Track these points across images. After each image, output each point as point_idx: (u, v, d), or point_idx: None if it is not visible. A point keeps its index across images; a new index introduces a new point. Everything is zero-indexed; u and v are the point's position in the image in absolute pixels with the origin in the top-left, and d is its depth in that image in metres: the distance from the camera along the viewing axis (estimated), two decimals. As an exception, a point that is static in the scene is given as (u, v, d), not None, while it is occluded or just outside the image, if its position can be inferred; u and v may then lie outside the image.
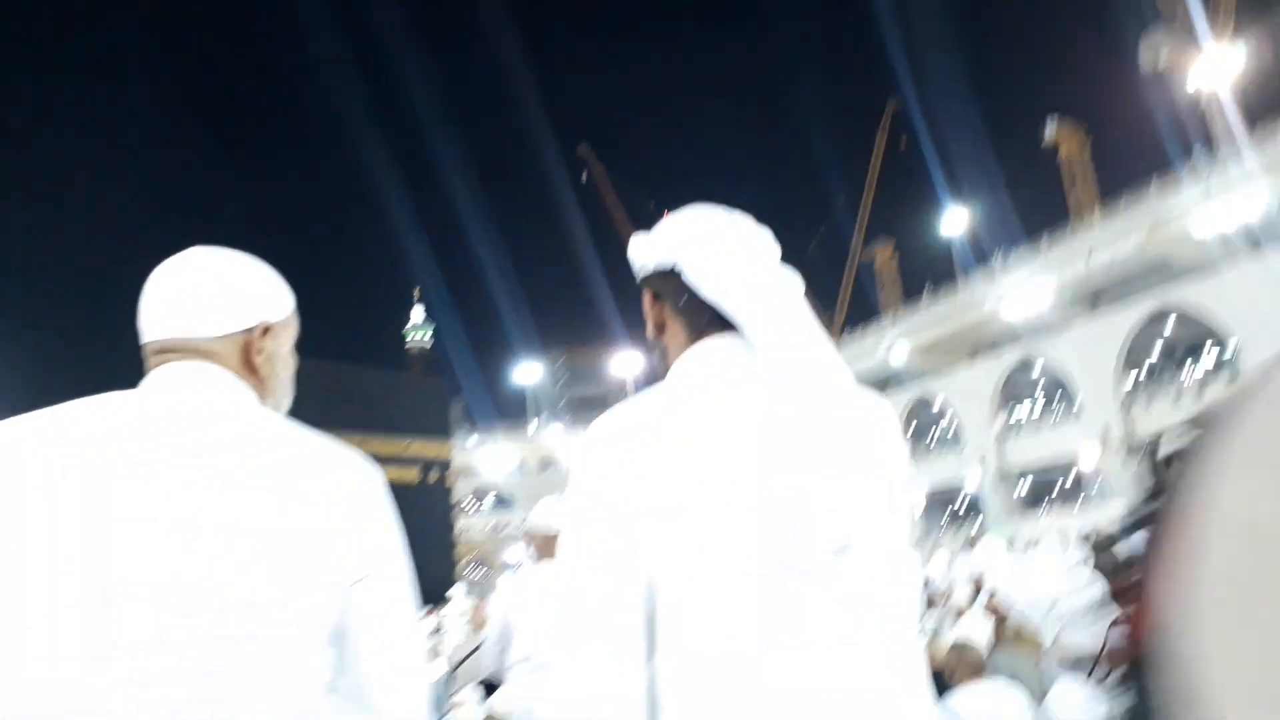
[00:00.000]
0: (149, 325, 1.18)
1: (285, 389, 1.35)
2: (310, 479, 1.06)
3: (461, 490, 49.37)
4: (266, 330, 1.26)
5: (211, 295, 1.20)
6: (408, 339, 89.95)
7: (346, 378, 27.14)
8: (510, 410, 67.23)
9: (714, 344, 1.20)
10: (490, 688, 5.79)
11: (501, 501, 59.40)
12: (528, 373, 65.72)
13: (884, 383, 45.83)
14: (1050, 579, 6.52)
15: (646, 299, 1.31)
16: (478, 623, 6.58)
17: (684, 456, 1.09)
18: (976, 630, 5.77)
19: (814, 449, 1.11)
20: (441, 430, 29.36)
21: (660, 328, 1.28)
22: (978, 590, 8.29)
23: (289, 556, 1.00)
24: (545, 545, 3.63)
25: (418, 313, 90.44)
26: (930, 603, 11.31)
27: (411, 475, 27.18)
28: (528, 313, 76.27)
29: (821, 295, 72.72)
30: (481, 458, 55.88)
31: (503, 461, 56.45)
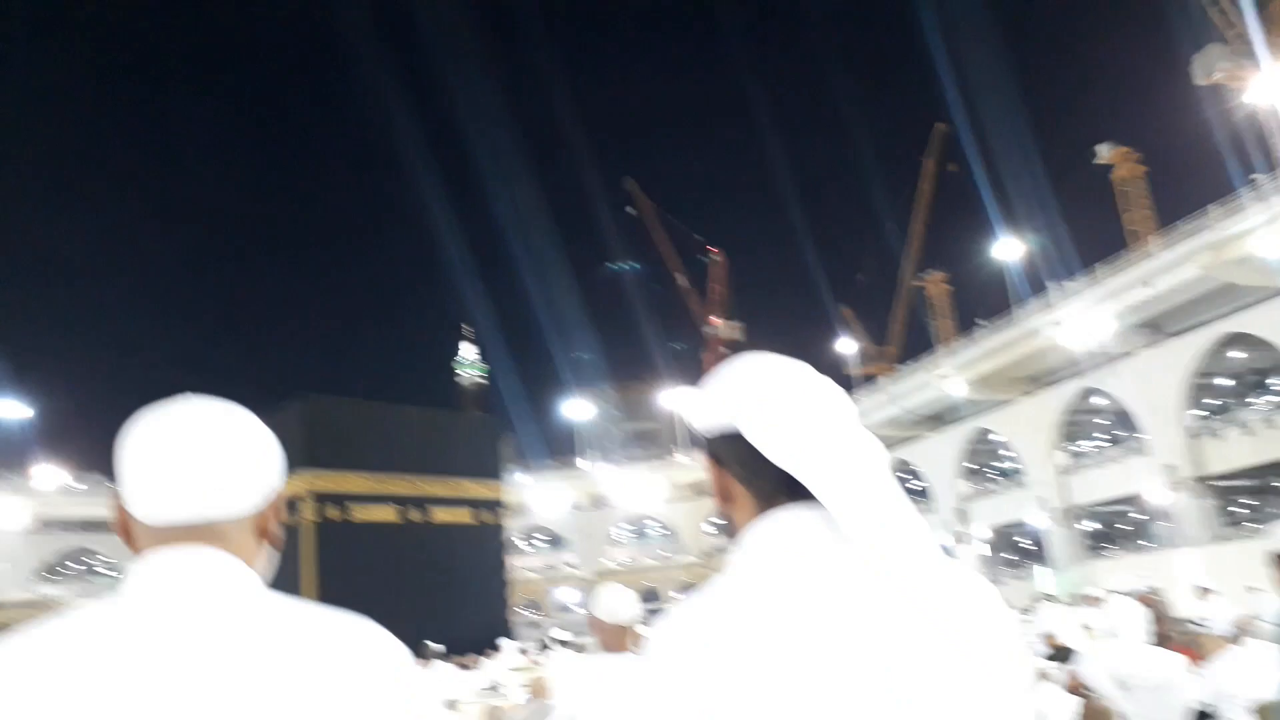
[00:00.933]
0: (157, 504, 1.06)
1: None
2: (338, 677, 1.00)
3: (513, 529, 49.44)
4: (278, 496, 1.19)
5: (228, 469, 1.10)
6: (459, 375, 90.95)
7: (399, 419, 27.48)
8: (561, 447, 67.35)
9: (787, 518, 1.06)
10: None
11: (553, 540, 59.38)
12: (578, 409, 65.83)
13: (940, 416, 45.09)
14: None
15: (708, 464, 1.16)
16: (537, 690, 6.47)
17: (767, 663, 0.96)
18: (1058, 711, 5.52)
19: (917, 645, 0.98)
20: (493, 469, 29.49)
21: (725, 496, 1.14)
22: (1052, 651, 7.96)
23: None
24: (610, 636, 3.54)
25: (468, 349, 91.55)
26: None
27: (464, 516, 27.31)
28: (578, 348, 76.45)
29: (872, 327, 72.13)
30: (533, 496, 55.94)
31: (554, 500, 56.44)
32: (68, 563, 52.74)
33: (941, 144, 64.92)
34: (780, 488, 1.06)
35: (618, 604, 3.57)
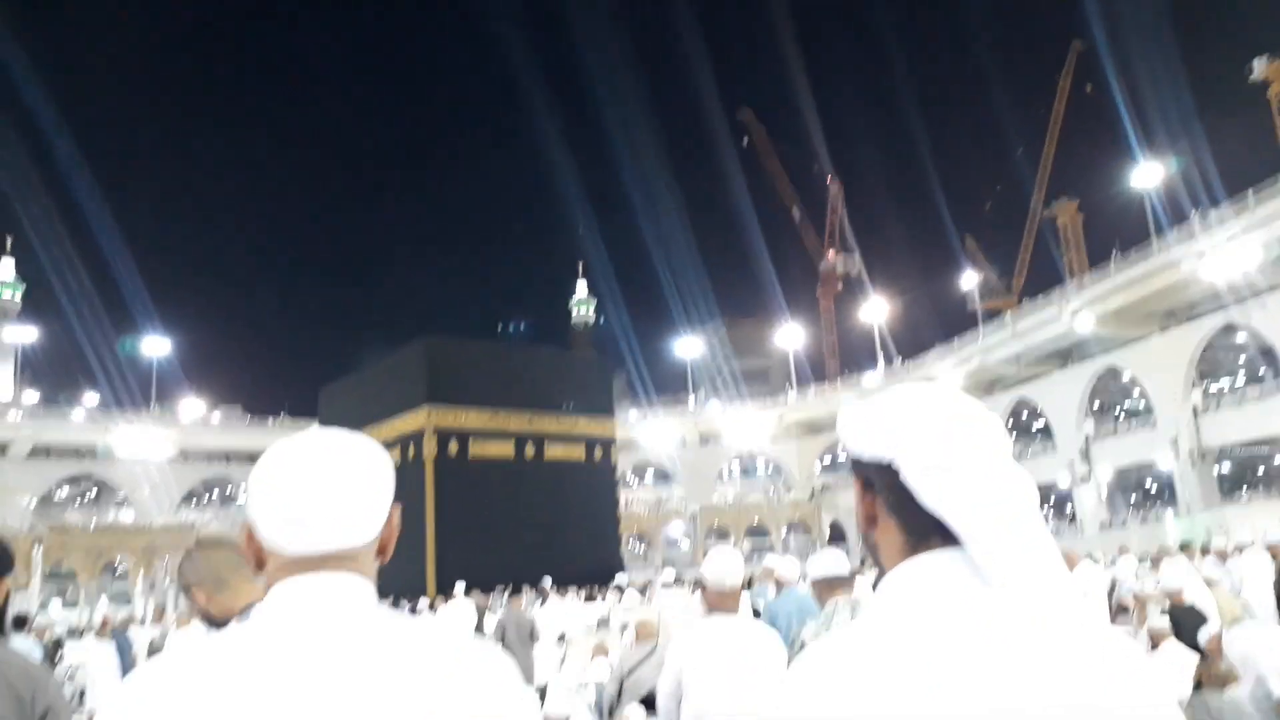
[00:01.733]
0: (298, 535, 1.13)
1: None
2: (459, 696, 1.08)
3: (624, 465, 50.29)
4: (393, 514, 1.24)
5: (364, 500, 1.17)
6: (573, 313, 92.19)
7: (516, 359, 28.21)
8: (671, 384, 67.79)
9: (937, 566, 1.02)
10: (652, 705, 5.83)
11: (662, 476, 60.19)
12: (688, 346, 65.93)
13: (1068, 353, 43.27)
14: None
15: (857, 485, 1.14)
16: (643, 633, 6.61)
17: None
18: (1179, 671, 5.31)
19: (1063, 714, 0.92)
20: (605, 407, 30.02)
21: (871, 520, 1.12)
22: (1173, 609, 7.63)
23: None
24: (718, 599, 3.62)
25: (581, 287, 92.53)
26: (1122, 608, 10.52)
27: (578, 453, 27.98)
28: (689, 284, 76.10)
29: (1000, 258, 69.33)
30: (643, 433, 56.65)
31: (664, 436, 57.03)
32: (207, 491, 56.70)
33: (1078, 63, 61.03)
34: (930, 528, 1.03)
35: (726, 569, 3.62)
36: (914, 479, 1.03)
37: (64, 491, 53.27)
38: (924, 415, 1.06)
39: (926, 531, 1.03)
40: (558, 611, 12.52)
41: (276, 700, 1.01)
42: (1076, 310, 39.39)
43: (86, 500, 54.94)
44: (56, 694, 2.27)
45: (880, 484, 1.08)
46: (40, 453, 50.13)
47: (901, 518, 1.06)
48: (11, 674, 2.13)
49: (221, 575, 2.38)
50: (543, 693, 7.76)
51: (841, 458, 60.02)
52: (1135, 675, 0.97)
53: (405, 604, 16.12)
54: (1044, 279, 55.32)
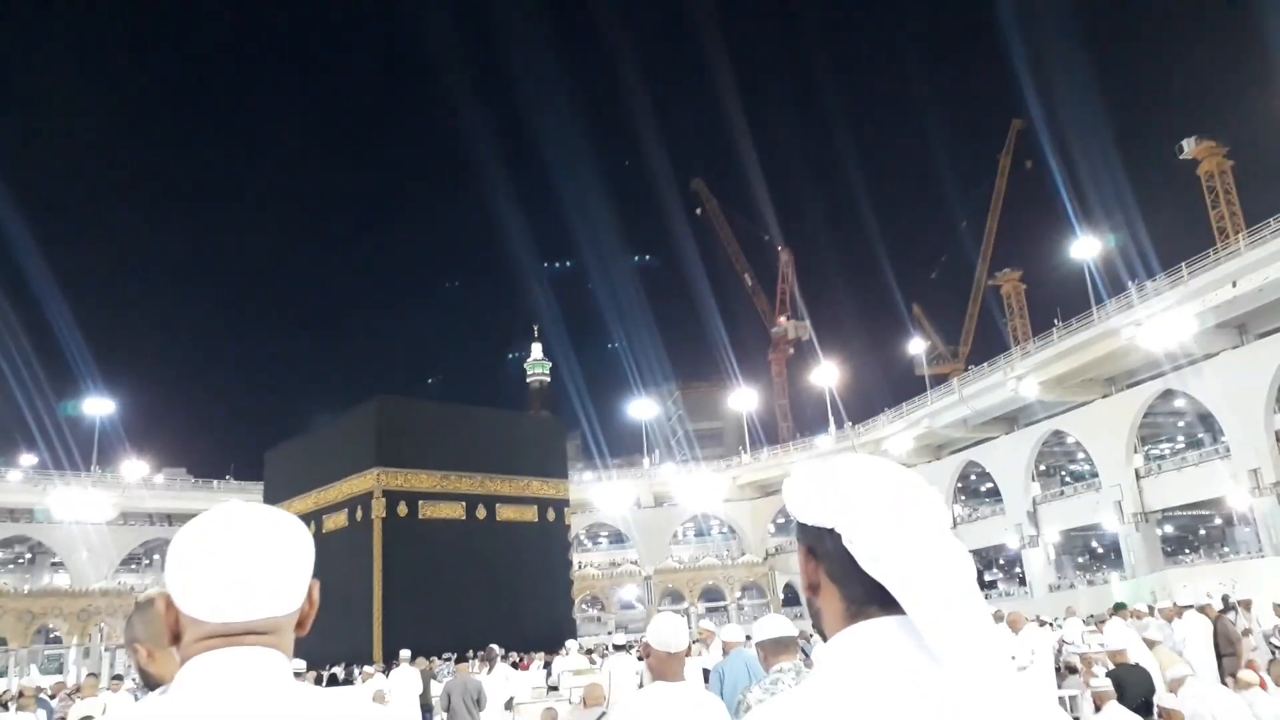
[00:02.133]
0: (223, 606, 1.16)
1: None
2: None
3: (577, 527, 49.83)
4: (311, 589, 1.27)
5: (286, 573, 1.20)
6: (528, 376, 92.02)
7: (468, 420, 27.99)
8: (626, 446, 67.65)
9: (876, 633, 1.05)
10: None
11: (616, 538, 59.70)
12: (643, 408, 66.02)
13: (1014, 417, 44.07)
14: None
15: (801, 551, 1.17)
16: (591, 698, 6.56)
17: None
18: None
19: None
20: (559, 469, 29.82)
21: (814, 587, 1.14)
22: (1115, 669, 7.76)
23: None
24: (662, 664, 3.63)
25: (536, 349, 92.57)
26: (1070, 669, 10.60)
27: (530, 515, 27.68)
28: (644, 347, 76.50)
29: (946, 325, 70.86)
30: (597, 494, 56.28)
31: (618, 498, 56.68)
32: (147, 555, 54.93)
33: (1018, 140, 63.46)
34: (872, 595, 1.06)
35: (670, 633, 3.63)
36: (856, 546, 1.05)
37: (-4, 555, 51.27)
38: (868, 484, 1.09)
39: (867, 599, 1.06)
40: (506, 677, 12.29)
41: None
42: (1021, 376, 40.27)
43: (20, 564, 52.87)
44: None
45: (823, 550, 1.11)
46: (-28, 514, 48.31)
47: (843, 585, 1.08)
48: None
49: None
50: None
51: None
52: None
53: (353, 669, 15.66)
54: (989, 345, 56.63)
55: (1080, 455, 42.99)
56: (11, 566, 52.54)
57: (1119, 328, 35.52)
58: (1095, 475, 40.22)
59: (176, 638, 1.21)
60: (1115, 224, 45.55)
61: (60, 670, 31.69)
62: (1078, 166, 53.32)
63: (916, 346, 60.79)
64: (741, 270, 74.87)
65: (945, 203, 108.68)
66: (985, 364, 45.30)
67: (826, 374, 58.68)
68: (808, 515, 1.13)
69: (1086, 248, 42.40)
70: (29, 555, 52.80)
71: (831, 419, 56.25)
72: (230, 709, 1.10)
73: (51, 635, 44.10)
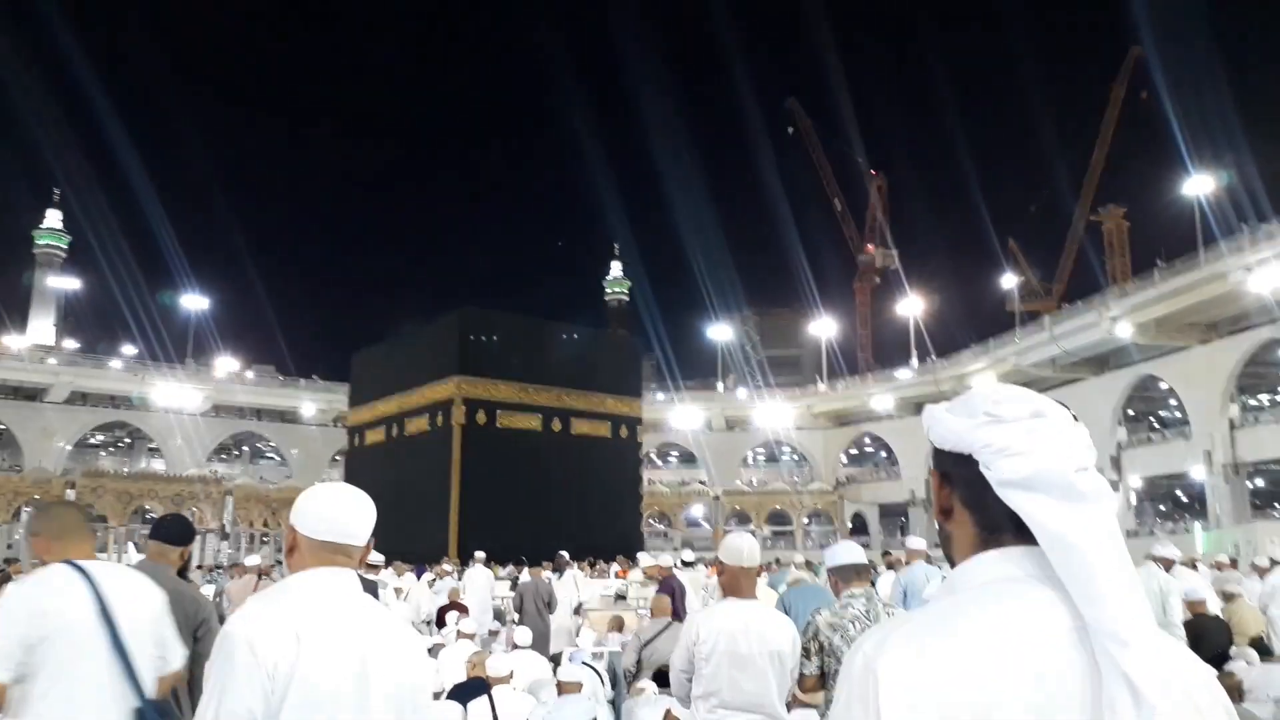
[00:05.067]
0: (329, 530, 1.97)
1: None
2: (405, 645, 2.00)
3: (649, 445, 50.38)
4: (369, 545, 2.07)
5: (367, 522, 2.04)
6: (607, 294, 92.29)
7: (548, 335, 28.27)
8: (700, 369, 67.69)
9: (1006, 560, 1.03)
10: (664, 678, 5.91)
11: (687, 458, 60.26)
12: (719, 332, 65.78)
13: (1104, 359, 42.66)
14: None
15: (935, 477, 1.14)
16: (660, 611, 6.69)
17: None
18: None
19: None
20: (633, 387, 30.04)
21: (946, 513, 1.12)
22: (1191, 619, 7.58)
23: (410, 681, 1.95)
24: (735, 580, 3.69)
25: (616, 268, 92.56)
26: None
27: (604, 430, 28.05)
28: (722, 271, 75.81)
29: (1042, 262, 68.29)
30: (670, 415, 56.71)
31: (691, 419, 57.06)
32: (236, 446, 57.67)
33: (1134, 69, 59.72)
34: (1004, 523, 1.03)
35: (745, 550, 3.68)
36: (996, 473, 1.03)
37: (98, 438, 54.43)
38: (1012, 410, 1.06)
39: (1000, 527, 1.04)
40: (575, 583, 12.68)
41: (319, 627, 1.83)
42: (1116, 317, 38.78)
43: (120, 447, 56.10)
44: (210, 613, 3.60)
45: (958, 476, 1.09)
46: (77, 399, 51.19)
47: (976, 511, 1.06)
48: (184, 598, 3.34)
49: (64, 531, 2.72)
50: (557, 660, 7.88)
51: (869, 449, 59.72)
52: (1197, 694, 0.95)
53: (428, 568, 16.31)
54: (1085, 284, 54.47)
55: (1172, 402, 41.50)
56: (112, 449, 55.80)
57: (1227, 271, 33.77)
58: (1186, 423, 38.87)
59: (291, 550, 2.00)
60: (1228, 164, 42.76)
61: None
62: (1194, 101, 50.00)
63: (1009, 282, 58.82)
64: (832, 195, 72.94)
65: (1047, 135, 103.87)
66: (1080, 302, 43.70)
67: (912, 306, 57.41)
68: (946, 439, 1.10)
69: (1198, 186, 40.10)
70: (128, 440, 55.93)
71: (915, 352, 55.25)
72: (328, 598, 1.90)
73: (148, 516, 46.88)
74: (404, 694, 1.90)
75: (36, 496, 44.72)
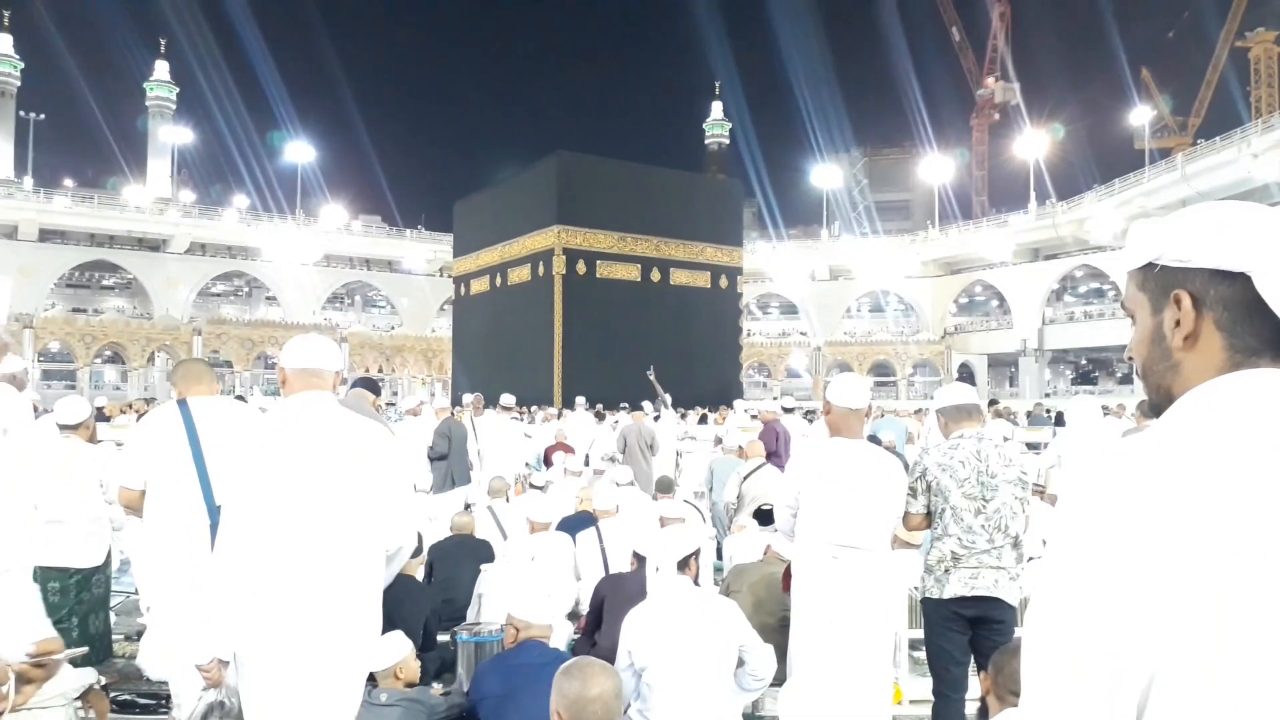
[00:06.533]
0: (310, 358, 2.67)
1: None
2: (371, 447, 2.57)
3: (749, 296, 50.08)
4: (338, 374, 2.74)
5: (331, 355, 2.71)
6: (707, 137, 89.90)
7: (646, 180, 27.84)
8: (804, 215, 66.11)
9: (1265, 379, 0.93)
10: (761, 516, 5.99)
11: (788, 309, 59.75)
12: (825, 175, 63.67)
13: (1244, 199, 39.71)
14: None
15: (1183, 299, 1.01)
16: (754, 454, 6.72)
17: (1213, 547, 0.81)
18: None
19: None
20: (734, 236, 29.57)
21: (1191, 338, 1.00)
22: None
23: (366, 486, 2.53)
24: (841, 421, 3.68)
25: (716, 108, 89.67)
26: None
27: (704, 280, 27.90)
28: (828, 109, 72.77)
29: (1177, 93, 63.09)
30: (772, 264, 55.95)
31: (793, 268, 56.19)
32: (348, 294, 59.91)
33: None
34: (1266, 346, 0.96)
35: (851, 391, 3.69)
36: (1271, 289, 0.95)
37: (219, 287, 57.32)
38: None
39: (1260, 349, 0.96)
40: (675, 428, 12.81)
41: (302, 432, 2.52)
42: (1259, 154, 35.76)
43: (239, 296, 59.06)
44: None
45: (1214, 297, 0.99)
46: (196, 249, 53.69)
47: (1232, 334, 0.98)
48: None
49: (190, 377, 3.63)
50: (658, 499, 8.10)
51: (980, 298, 57.89)
52: None
53: (535, 409, 16.84)
54: (1225, 119, 50.24)
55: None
56: (233, 298, 58.78)
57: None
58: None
59: (283, 384, 2.67)
60: None
61: (276, 392, 35.88)
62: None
63: (1140, 117, 54.70)
64: (950, 22, 68.25)
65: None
66: (1218, 138, 40.42)
67: (1032, 144, 54.13)
68: (1208, 257, 0.99)
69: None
70: (246, 289, 58.74)
71: (1033, 194, 52.48)
72: (312, 411, 2.56)
73: (270, 361, 49.61)
74: (360, 463, 2.51)
75: (167, 342, 47.78)
